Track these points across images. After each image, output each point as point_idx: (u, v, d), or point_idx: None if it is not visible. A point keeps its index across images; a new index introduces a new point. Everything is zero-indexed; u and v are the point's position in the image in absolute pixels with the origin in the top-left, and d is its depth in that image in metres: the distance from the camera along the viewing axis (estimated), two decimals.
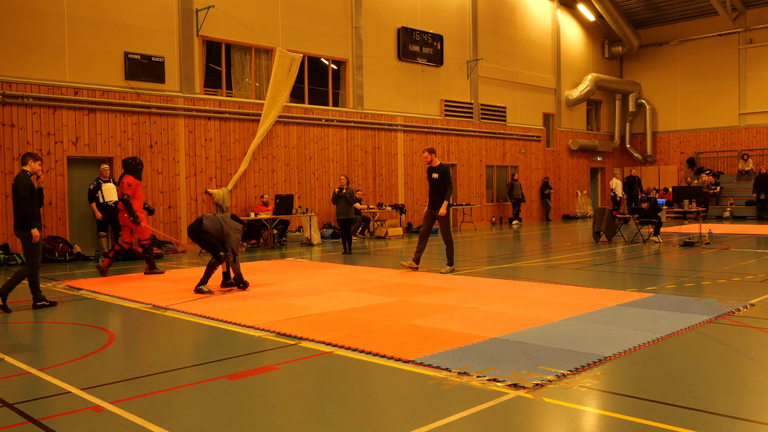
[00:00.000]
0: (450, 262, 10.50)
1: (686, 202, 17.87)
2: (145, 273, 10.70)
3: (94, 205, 13.15)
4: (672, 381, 4.51)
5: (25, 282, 9.96)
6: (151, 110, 14.72)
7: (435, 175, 10.58)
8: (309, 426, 3.80)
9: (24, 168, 7.82)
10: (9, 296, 7.86)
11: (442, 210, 10.41)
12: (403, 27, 20.08)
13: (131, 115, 14.44)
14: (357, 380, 4.75)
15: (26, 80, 13.02)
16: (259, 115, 16.43)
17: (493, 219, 23.54)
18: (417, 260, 10.57)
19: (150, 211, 11.33)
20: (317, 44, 17.98)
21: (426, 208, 10.77)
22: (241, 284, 8.79)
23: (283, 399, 4.39)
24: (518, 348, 5.35)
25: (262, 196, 16.23)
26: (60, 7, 13.46)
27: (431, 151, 10.65)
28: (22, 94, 12.90)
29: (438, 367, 4.82)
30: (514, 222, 23.05)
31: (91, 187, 13.22)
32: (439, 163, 10.66)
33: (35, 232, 7.56)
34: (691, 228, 18.10)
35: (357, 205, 14.85)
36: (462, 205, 21.01)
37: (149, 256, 10.75)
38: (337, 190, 13.82)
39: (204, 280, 8.55)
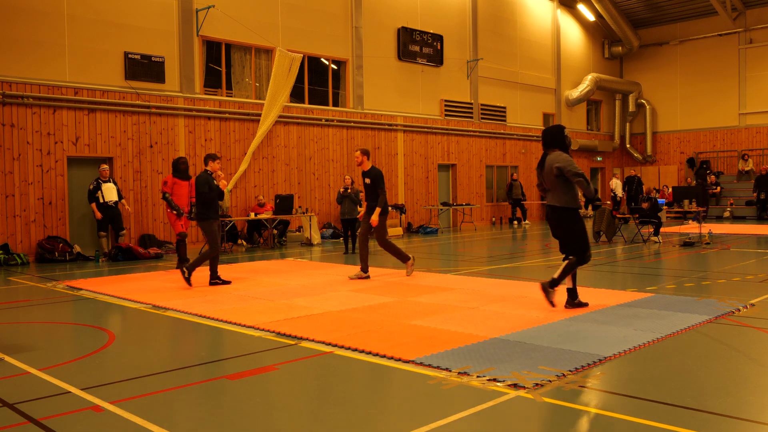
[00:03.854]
0: (407, 258, 9.76)
1: (686, 202, 17.88)
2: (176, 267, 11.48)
3: (93, 205, 13.14)
4: (672, 381, 4.50)
5: (28, 282, 9.98)
6: (151, 110, 14.71)
7: (367, 180, 9.58)
8: (309, 426, 3.80)
9: (206, 168, 9.21)
10: (10, 296, 7.84)
11: (374, 218, 9.36)
12: (403, 27, 20.07)
13: (131, 115, 14.44)
14: (357, 380, 4.74)
15: (26, 80, 13.02)
16: (259, 115, 16.43)
17: (493, 219, 23.53)
18: (364, 269, 9.64)
19: (179, 213, 11.52)
20: (317, 44, 17.98)
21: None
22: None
23: (283, 399, 4.39)
24: (518, 348, 5.34)
25: (256, 197, 16.19)
26: (60, 7, 13.46)
27: (364, 152, 9.62)
28: (22, 94, 12.90)
29: (438, 367, 4.81)
30: (516, 221, 22.99)
31: (91, 187, 13.21)
32: (371, 166, 9.64)
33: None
34: (691, 228, 18.10)
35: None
36: (462, 205, 21.02)
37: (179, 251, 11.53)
38: (342, 190, 13.84)
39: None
